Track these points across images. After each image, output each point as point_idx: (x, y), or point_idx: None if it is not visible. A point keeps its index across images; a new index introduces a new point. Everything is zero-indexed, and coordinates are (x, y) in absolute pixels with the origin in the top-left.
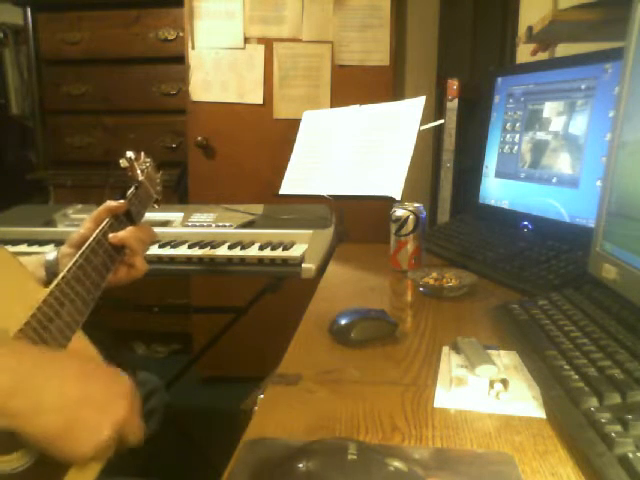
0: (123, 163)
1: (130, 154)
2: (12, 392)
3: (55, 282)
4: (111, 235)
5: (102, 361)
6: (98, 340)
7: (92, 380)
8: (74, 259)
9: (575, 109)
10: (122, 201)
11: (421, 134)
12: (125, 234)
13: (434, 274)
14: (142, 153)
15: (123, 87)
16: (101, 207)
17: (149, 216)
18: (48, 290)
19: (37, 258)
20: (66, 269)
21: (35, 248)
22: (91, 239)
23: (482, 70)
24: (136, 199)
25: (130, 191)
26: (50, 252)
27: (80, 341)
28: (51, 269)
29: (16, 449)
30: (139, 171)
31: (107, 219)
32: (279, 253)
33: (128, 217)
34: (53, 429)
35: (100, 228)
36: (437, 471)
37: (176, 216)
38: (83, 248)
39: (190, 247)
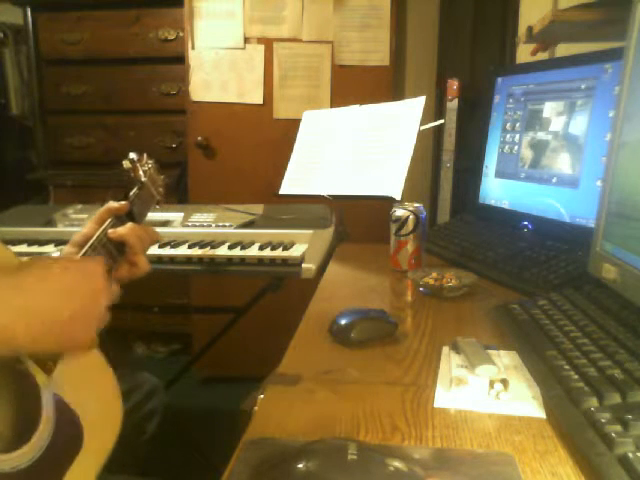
0: (126, 164)
1: (133, 155)
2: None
3: None
4: (110, 230)
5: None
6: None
7: (75, 295)
8: (78, 255)
9: (575, 109)
10: (124, 202)
11: (421, 134)
12: (124, 231)
13: (434, 274)
14: (145, 154)
15: (123, 87)
16: (103, 208)
17: (149, 216)
18: None
19: None
20: None
21: (35, 248)
22: (94, 238)
23: (482, 70)
24: (138, 200)
25: (132, 192)
26: (53, 253)
27: None
28: None
29: (18, 447)
30: (141, 172)
31: (109, 219)
32: (279, 253)
33: (130, 218)
34: (53, 338)
35: (102, 228)
36: (437, 471)
37: (176, 216)
38: (86, 247)
39: (190, 247)
